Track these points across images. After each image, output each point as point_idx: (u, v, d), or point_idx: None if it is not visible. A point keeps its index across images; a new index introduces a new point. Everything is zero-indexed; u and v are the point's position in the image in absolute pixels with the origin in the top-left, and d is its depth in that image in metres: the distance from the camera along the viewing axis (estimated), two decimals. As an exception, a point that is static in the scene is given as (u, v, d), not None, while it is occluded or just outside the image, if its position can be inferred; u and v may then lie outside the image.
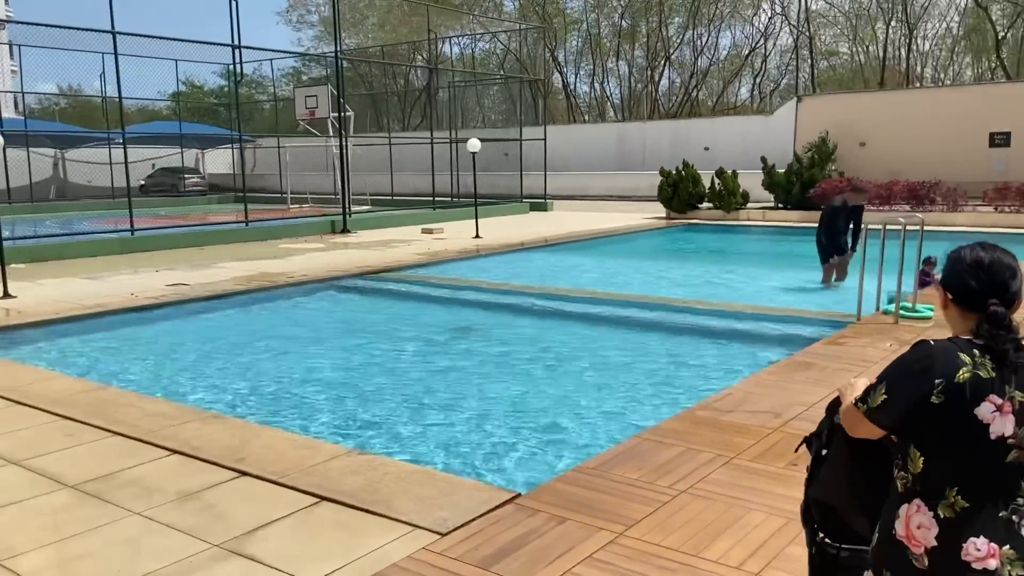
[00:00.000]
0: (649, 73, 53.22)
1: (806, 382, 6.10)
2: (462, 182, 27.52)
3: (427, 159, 25.89)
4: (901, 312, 8.19)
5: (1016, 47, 44.83)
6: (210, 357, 8.16)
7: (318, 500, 4.19)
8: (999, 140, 28.20)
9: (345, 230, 20.20)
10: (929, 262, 10.75)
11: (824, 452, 2.37)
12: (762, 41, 51.55)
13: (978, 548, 1.89)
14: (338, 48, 21.56)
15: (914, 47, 48.23)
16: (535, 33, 46.36)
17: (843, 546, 2.30)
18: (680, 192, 22.04)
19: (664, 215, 22.61)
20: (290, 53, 43.88)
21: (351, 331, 9.51)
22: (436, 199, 25.43)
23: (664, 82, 53.56)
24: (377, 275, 13.16)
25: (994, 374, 1.89)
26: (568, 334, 9.16)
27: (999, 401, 1.88)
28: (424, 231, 19.60)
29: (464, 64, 48.62)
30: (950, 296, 2.04)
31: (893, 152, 26.90)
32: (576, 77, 56.65)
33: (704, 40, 51.69)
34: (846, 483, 2.23)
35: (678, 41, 52.20)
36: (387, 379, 7.21)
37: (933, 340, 1.98)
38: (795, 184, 21.67)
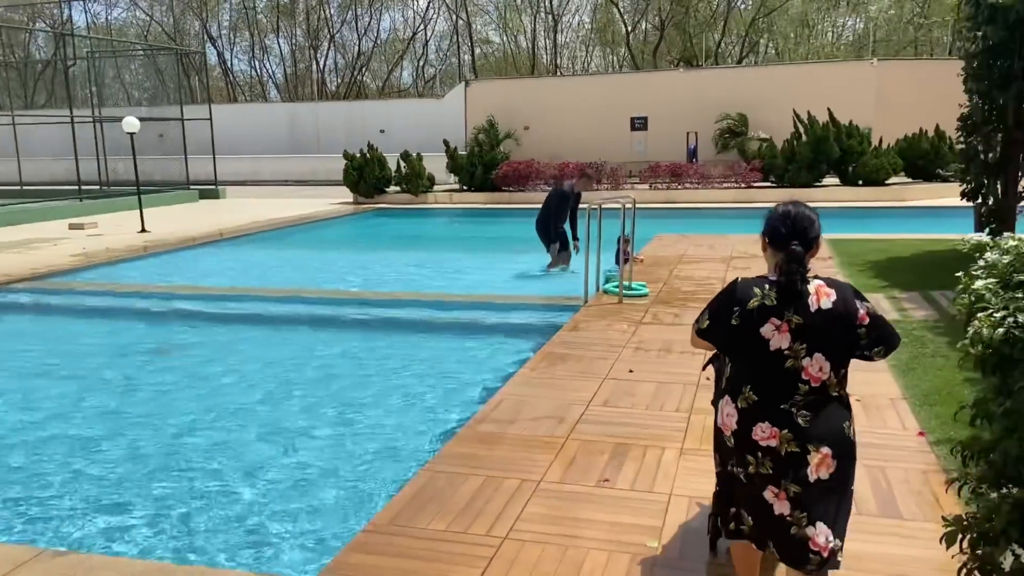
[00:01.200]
0: (312, 53, 51.38)
1: (571, 376, 5.79)
2: (111, 168, 23.93)
3: (62, 142, 22.02)
4: (620, 291, 8.35)
5: (641, 40, 50.83)
6: None
7: (4, 650, 2.83)
8: (638, 124, 31.58)
9: (-38, 230, 16.30)
10: (624, 239, 11.31)
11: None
12: (422, 26, 52.46)
13: (763, 431, 2.50)
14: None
15: (558, 39, 52.46)
16: (183, 2, 42.13)
17: None
18: (367, 176, 21.30)
19: (352, 200, 21.71)
20: None
21: (-4, 365, 7.36)
22: (83, 188, 21.73)
23: (329, 63, 52.14)
24: (19, 286, 10.61)
25: (776, 302, 2.51)
26: (289, 344, 7.96)
27: (778, 322, 2.49)
28: (73, 227, 16.53)
29: (98, 34, 42.61)
30: (766, 239, 2.64)
31: (554, 135, 28.74)
32: (232, 54, 52.85)
33: (367, 22, 51.18)
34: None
35: (340, 22, 51.04)
36: (63, 431, 5.52)
37: (741, 278, 2.62)
38: (478, 167, 22.08)
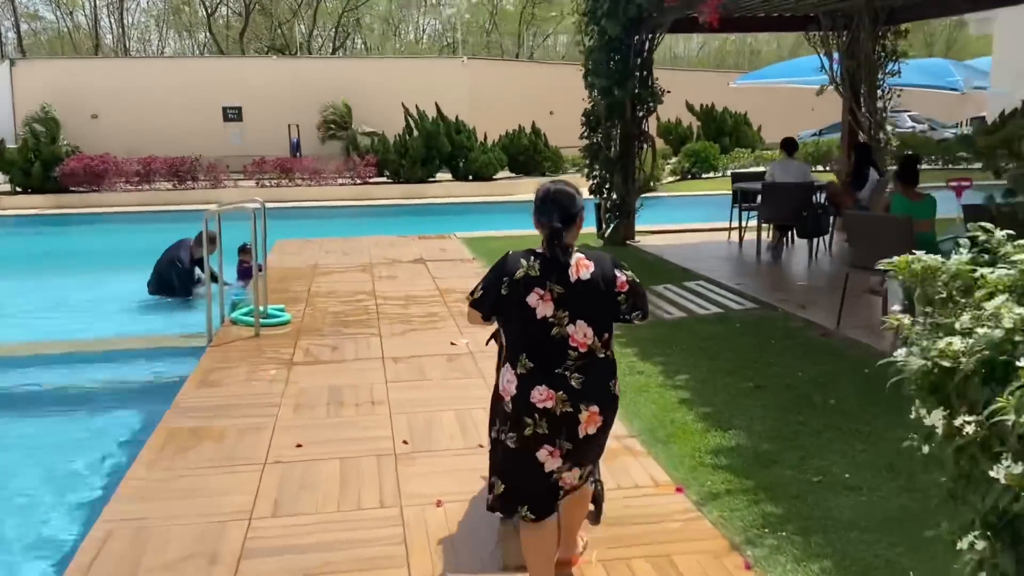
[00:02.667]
0: None
1: (213, 467, 4.03)
2: None
3: None
4: (257, 320, 6.60)
5: (224, 24, 47.16)
6: None
7: None
8: (232, 115, 28.88)
9: None
10: (245, 249, 9.50)
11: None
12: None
13: (540, 393, 2.63)
14: None
15: (125, 18, 46.38)
16: None
17: None
18: None
19: None
20: None
21: None
22: None
23: None
24: None
25: (539, 273, 2.66)
26: None
27: (541, 292, 2.66)
28: None
29: None
30: (535, 217, 2.74)
31: (131, 126, 24.90)
32: None
33: None
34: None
35: None
36: None
37: (511, 251, 2.76)
38: (35, 162, 17.80)
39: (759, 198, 9.05)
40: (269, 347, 6.20)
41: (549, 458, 2.64)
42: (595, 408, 2.63)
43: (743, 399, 4.80)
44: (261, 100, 27.81)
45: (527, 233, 12.40)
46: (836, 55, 10.36)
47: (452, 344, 6.17)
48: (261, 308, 6.82)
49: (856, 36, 10.09)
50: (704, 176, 22.72)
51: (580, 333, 2.62)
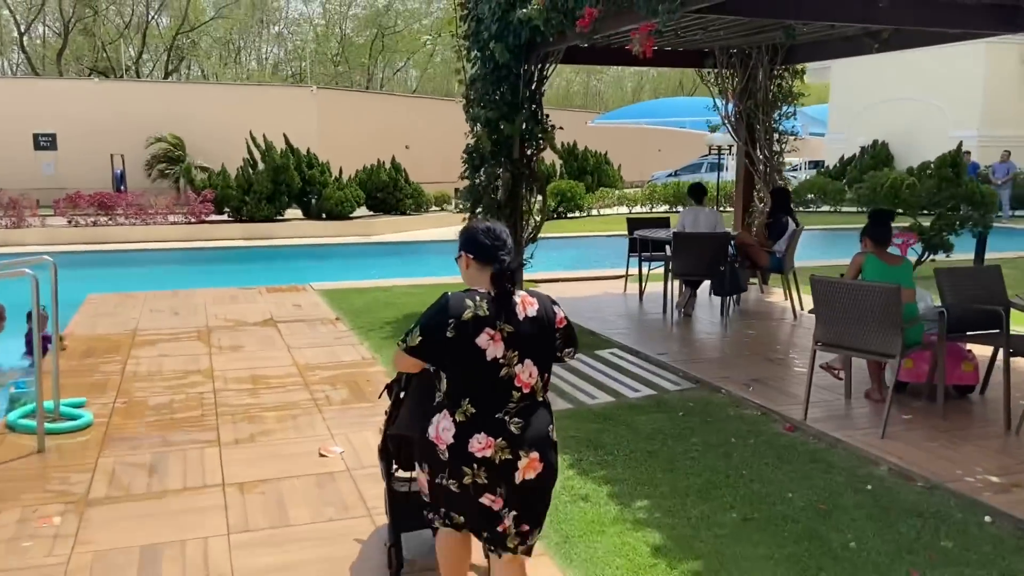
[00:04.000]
0: None
1: None
2: None
3: None
4: (41, 425, 4.71)
5: (40, 43, 42.62)
6: None
7: None
8: (44, 142, 25.68)
9: None
10: (41, 315, 7.44)
11: (402, 395, 2.98)
12: None
13: (479, 442, 2.51)
14: None
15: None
16: None
17: (412, 476, 3.04)
18: None
19: None
20: None
21: None
22: None
23: None
24: None
25: (488, 313, 2.52)
26: None
27: (492, 332, 2.51)
28: None
29: None
30: (471, 257, 2.63)
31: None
32: None
33: None
34: (420, 416, 2.68)
35: None
36: None
37: (451, 292, 2.59)
38: None
39: (667, 249, 8.04)
40: (57, 470, 4.37)
41: (493, 504, 2.56)
42: (535, 454, 2.55)
43: (733, 542, 3.55)
44: (79, 127, 24.88)
45: (398, 283, 10.83)
46: (729, 94, 9.69)
47: (321, 455, 4.59)
48: (49, 404, 4.95)
49: (754, 74, 9.43)
50: (570, 216, 22.04)
51: (526, 373, 2.56)
